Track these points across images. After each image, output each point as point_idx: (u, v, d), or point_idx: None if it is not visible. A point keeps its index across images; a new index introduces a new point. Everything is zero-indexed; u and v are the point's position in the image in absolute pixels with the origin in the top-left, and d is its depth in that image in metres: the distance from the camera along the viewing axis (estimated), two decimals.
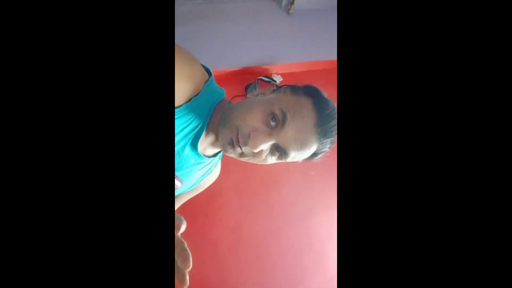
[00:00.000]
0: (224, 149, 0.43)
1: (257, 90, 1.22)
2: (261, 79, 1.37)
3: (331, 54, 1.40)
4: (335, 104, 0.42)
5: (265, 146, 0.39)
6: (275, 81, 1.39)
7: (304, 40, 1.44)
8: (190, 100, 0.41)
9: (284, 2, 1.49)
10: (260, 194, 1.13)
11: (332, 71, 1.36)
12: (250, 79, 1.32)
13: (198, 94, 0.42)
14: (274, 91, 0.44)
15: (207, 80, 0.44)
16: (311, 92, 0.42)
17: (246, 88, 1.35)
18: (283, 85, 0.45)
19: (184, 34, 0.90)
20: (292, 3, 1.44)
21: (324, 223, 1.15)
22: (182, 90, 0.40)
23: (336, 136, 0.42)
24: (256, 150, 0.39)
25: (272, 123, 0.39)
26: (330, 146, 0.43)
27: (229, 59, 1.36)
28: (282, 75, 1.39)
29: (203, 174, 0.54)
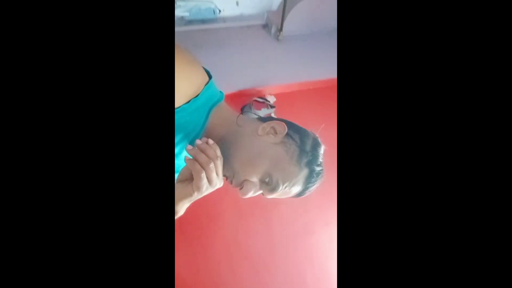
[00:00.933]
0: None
1: (252, 110, 1.27)
2: (256, 100, 1.44)
3: (317, 74, 1.49)
4: (323, 174, 0.47)
5: (252, 195, 0.44)
6: (269, 101, 1.46)
7: (292, 62, 1.53)
8: (189, 101, 0.42)
9: (273, 30, 1.61)
10: (259, 213, 1.13)
11: (319, 90, 1.45)
12: (245, 101, 1.38)
13: (197, 95, 0.42)
14: (283, 141, 0.44)
15: (207, 82, 0.44)
16: (312, 164, 0.44)
17: (242, 109, 1.41)
18: (293, 134, 0.45)
19: None
20: (281, 30, 1.56)
21: (324, 240, 1.14)
22: (181, 90, 0.40)
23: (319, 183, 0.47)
24: (246, 197, 0.44)
25: (266, 182, 0.43)
26: (313, 190, 0.47)
27: (224, 83, 1.43)
28: (275, 95, 1.47)
29: None
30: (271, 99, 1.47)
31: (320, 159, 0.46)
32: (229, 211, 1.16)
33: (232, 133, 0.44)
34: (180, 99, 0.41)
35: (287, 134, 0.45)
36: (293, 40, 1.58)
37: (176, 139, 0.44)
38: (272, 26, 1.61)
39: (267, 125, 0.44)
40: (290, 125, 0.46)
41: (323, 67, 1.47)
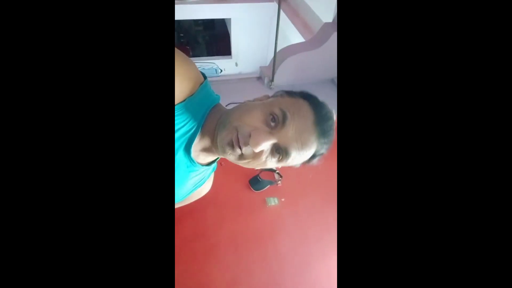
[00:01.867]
0: (223, 150, 0.41)
1: (260, 180, 1.23)
2: (263, 170, 1.50)
3: None
4: (330, 107, 0.44)
5: (267, 145, 0.39)
6: (275, 169, 1.38)
7: None
8: (184, 100, 0.41)
9: (266, 81, 1.86)
10: (256, 247, 1.12)
11: None
12: None
13: (192, 94, 0.42)
14: (270, 97, 0.44)
15: (202, 82, 0.44)
16: (306, 95, 0.43)
17: (250, 182, 1.30)
18: (278, 91, 0.45)
19: None
20: (272, 80, 1.81)
21: (323, 273, 1.10)
22: (176, 89, 0.39)
23: (333, 137, 0.43)
24: (258, 149, 0.38)
25: (272, 123, 0.39)
26: (327, 148, 0.43)
27: None
28: None
29: (195, 184, 0.52)
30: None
31: (313, 94, 0.43)
32: (225, 246, 1.16)
33: (224, 113, 0.44)
34: (175, 97, 0.40)
35: (272, 95, 0.45)
36: (282, 88, 1.83)
37: None
38: (265, 77, 1.87)
39: (251, 98, 0.45)
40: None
41: None
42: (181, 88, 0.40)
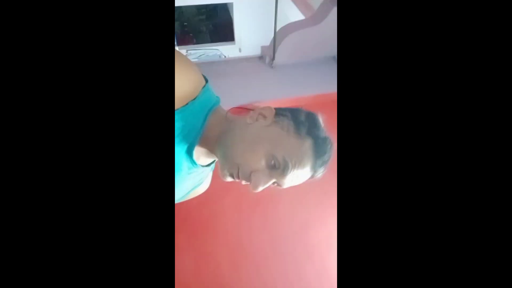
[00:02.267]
0: (222, 177, 0.44)
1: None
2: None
3: (304, 92, 1.72)
4: (332, 141, 0.44)
5: (265, 186, 0.42)
6: None
7: (283, 83, 1.77)
8: (186, 104, 0.42)
9: (267, 60, 1.89)
10: (258, 211, 1.18)
11: (307, 105, 1.64)
12: (243, 113, 1.57)
13: (195, 98, 0.43)
14: (275, 121, 0.43)
15: (204, 85, 0.45)
16: (312, 132, 0.42)
17: None
18: (283, 112, 0.44)
19: None
20: (273, 59, 1.84)
21: (322, 235, 1.15)
22: (178, 93, 0.40)
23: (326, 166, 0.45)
24: (256, 191, 0.41)
25: (273, 165, 0.41)
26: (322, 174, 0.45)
27: (226, 103, 1.65)
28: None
29: (193, 185, 0.53)
30: None
31: (320, 125, 0.44)
32: (230, 211, 1.23)
33: (225, 131, 0.44)
34: (177, 101, 0.41)
35: (277, 114, 0.44)
36: (283, 67, 1.85)
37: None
38: (266, 57, 1.90)
39: (254, 113, 0.45)
40: (277, 108, 0.46)
41: (309, 87, 1.69)
42: (183, 92, 0.41)
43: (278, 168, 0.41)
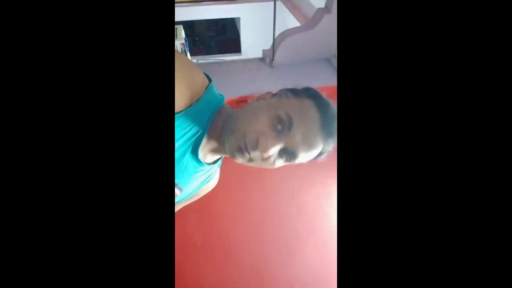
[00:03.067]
0: (232, 156, 0.43)
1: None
2: None
3: (300, 86, 1.95)
4: (335, 105, 0.44)
5: (275, 150, 0.40)
6: None
7: (282, 80, 2.02)
8: (190, 105, 0.41)
9: (267, 60, 2.16)
10: (257, 178, 1.35)
11: None
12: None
13: (198, 99, 0.42)
14: (274, 95, 0.45)
15: (208, 85, 0.45)
16: (311, 94, 0.43)
17: None
18: (282, 89, 0.46)
19: None
20: (273, 60, 2.11)
21: (310, 197, 1.31)
22: (182, 94, 0.40)
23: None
24: (266, 155, 0.40)
25: (279, 127, 0.40)
26: (333, 146, 0.44)
27: (231, 97, 1.90)
28: None
29: (202, 182, 0.53)
30: None
31: (318, 91, 0.45)
32: (231, 177, 1.39)
33: (229, 116, 0.45)
34: (182, 103, 0.40)
35: (276, 94, 0.46)
36: (282, 66, 2.12)
37: (179, 142, 0.43)
38: (266, 58, 2.17)
39: (254, 97, 0.46)
40: None
41: (304, 83, 1.93)
42: (186, 93, 0.41)
43: (284, 127, 0.40)
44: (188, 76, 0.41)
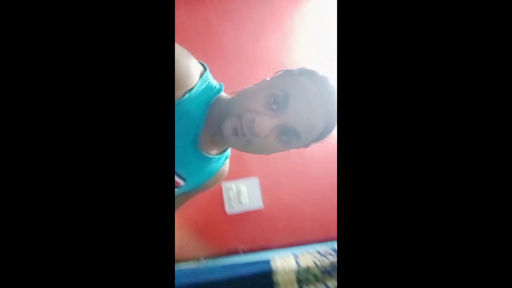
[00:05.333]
0: (228, 140, 0.41)
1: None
2: None
3: None
4: (333, 80, 0.42)
5: (272, 128, 0.39)
6: None
7: None
8: (183, 95, 0.40)
9: None
10: None
11: None
12: None
13: (191, 88, 0.41)
14: (268, 80, 0.44)
15: (202, 74, 0.43)
16: (306, 72, 0.42)
17: None
18: (277, 72, 0.45)
19: None
20: None
21: None
22: (176, 84, 0.38)
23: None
24: (264, 134, 0.38)
25: (275, 106, 0.39)
26: (335, 125, 0.42)
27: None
28: None
29: (209, 172, 0.52)
30: None
31: (314, 70, 0.43)
32: None
33: (225, 103, 0.44)
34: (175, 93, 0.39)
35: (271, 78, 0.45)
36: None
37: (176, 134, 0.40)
38: None
39: (251, 85, 0.45)
40: None
41: None
42: (179, 83, 0.39)
43: (280, 106, 0.39)
44: (180, 65, 0.39)
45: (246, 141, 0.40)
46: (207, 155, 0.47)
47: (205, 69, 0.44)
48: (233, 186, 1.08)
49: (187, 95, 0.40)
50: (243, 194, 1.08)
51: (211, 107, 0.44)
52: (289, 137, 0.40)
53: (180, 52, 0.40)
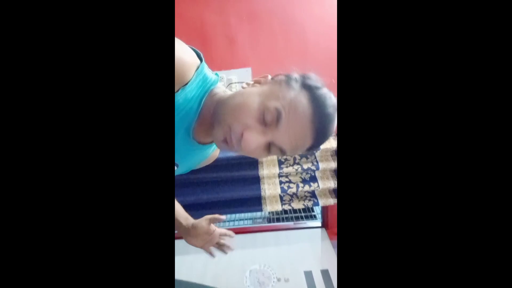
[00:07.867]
0: (218, 146, 0.43)
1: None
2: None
3: None
4: (334, 99, 0.41)
5: (259, 145, 0.39)
6: None
7: None
8: (178, 90, 0.40)
9: None
10: None
11: None
12: None
13: (187, 83, 0.41)
14: (269, 81, 0.43)
15: (198, 66, 0.42)
16: (309, 85, 0.41)
17: None
18: (279, 74, 0.44)
19: None
20: None
21: None
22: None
23: (331, 132, 0.41)
24: (249, 150, 0.39)
25: (265, 122, 0.39)
26: (324, 142, 0.42)
27: None
28: None
29: (201, 158, 0.55)
30: None
31: (316, 79, 0.42)
32: None
33: (220, 101, 0.43)
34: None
35: (272, 79, 0.44)
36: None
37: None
38: None
39: (249, 82, 0.45)
40: None
41: None
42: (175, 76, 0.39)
43: (270, 121, 0.38)
44: (176, 57, 0.39)
45: (235, 149, 0.41)
46: (200, 143, 0.48)
47: (200, 60, 0.44)
48: (224, 77, 1.04)
49: (180, 90, 0.41)
50: (234, 84, 1.05)
51: (206, 100, 0.44)
52: (274, 152, 0.42)
53: (176, 47, 0.39)
